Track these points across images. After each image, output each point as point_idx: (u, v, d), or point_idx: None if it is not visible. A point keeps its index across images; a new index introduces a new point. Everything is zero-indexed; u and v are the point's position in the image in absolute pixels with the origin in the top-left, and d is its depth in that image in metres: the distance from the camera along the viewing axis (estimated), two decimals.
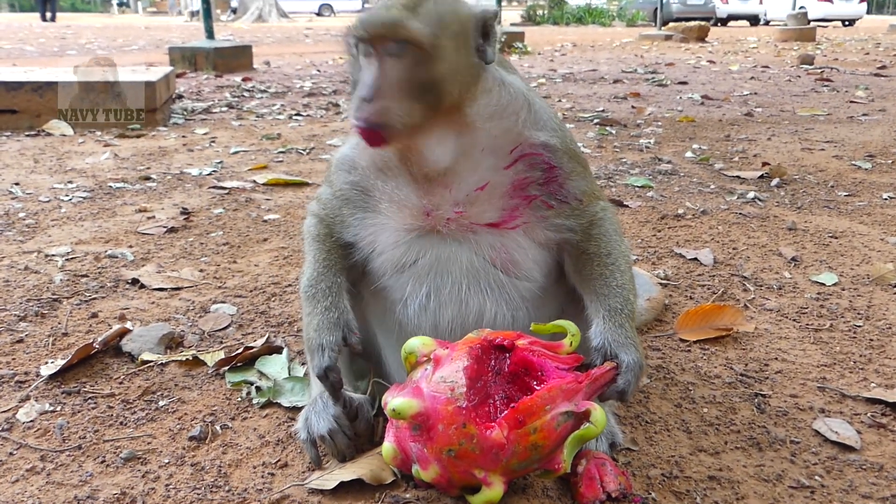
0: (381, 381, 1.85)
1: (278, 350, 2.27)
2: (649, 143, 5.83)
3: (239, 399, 2.02)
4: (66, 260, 3.10)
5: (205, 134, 6.18)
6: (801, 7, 26.15)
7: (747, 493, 1.63)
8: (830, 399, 2.04)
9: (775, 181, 4.51)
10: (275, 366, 2.17)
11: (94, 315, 2.56)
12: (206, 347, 2.35)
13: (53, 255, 3.14)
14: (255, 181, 4.54)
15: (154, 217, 3.76)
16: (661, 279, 2.93)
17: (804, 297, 2.77)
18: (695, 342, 2.40)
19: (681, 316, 2.51)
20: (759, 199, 4.14)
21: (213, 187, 4.38)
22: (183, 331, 2.44)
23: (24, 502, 1.58)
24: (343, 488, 1.60)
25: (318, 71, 11.80)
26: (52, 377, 2.10)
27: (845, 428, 1.87)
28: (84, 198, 4.11)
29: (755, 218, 3.78)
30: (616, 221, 1.82)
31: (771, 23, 34.84)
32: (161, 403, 2.00)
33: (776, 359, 2.29)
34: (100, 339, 2.27)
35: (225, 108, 7.59)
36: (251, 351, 2.24)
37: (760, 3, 36.72)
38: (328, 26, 30.79)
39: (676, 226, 3.67)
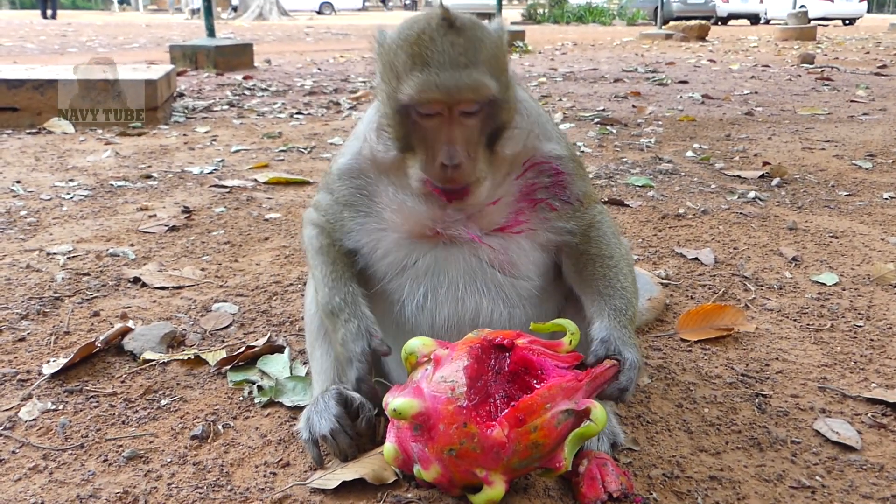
0: (382, 380, 1.85)
1: (280, 349, 2.27)
2: (650, 142, 5.83)
3: (241, 398, 2.03)
4: (68, 258, 3.10)
5: (206, 132, 6.18)
6: (802, 6, 26.14)
7: (748, 493, 1.63)
8: (831, 399, 2.05)
9: (776, 181, 4.51)
10: (276, 365, 2.18)
11: (96, 314, 2.56)
12: (207, 346, 2.35)
13: (55, 254, 3.14)
14: (256, 180, 4.54)
15: (155, 215, 3.76)
16: (662, 279, 2.94)
17: (805, 297, 2.77)
18: (696, 342, 2.41)
19: (682, 316, 2.52)
20: (760, 199, 4.14)
21: (215, 186, 4.38)
22: (184, 330, 2.45)
23: (26, 501, 1.58)
24: (345, 488, 1.60)
25: (319, 69, 11.80)
26: (54, 376, 2.10)
27: (846, 428, 1.87)
28: (85, 196, 4.11)
29: (756, 218, 3.78)
30: (613, 224, 1.84)
31: (771, 22, 34.81)
32: (163, 402, 2.00)
33: (777, 359, 2.29)
34: (101, 337, 2.27)
35: (226, 107, 7.59)
36: (253, 350, 2.24)
37: (761, 2, 36.70)
38: (329, 24, 30.77)
39: (677, 225, 3.67)
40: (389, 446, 1.51)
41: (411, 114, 1.53)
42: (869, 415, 1.96)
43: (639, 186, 4.43)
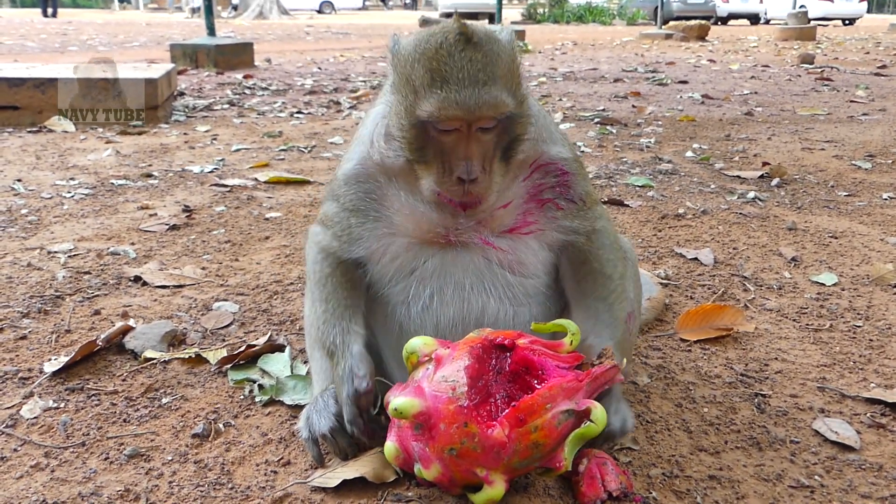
0: (383, 379, 1.86)
1: (280, 348, 2.28)
2: (650, 142, 5.84)
3: (241, 397, 2.03)
4: (69, 257, 3.11)
5: (206, 131, 6.18)
6: (802, 6, 26.15)
7: (747, 493, 1.64)
8: (830, 399, 2.05)
9: (775, 181, 4.52)
10: (277, 364, 2.18)
11: (97, 312, 2.57)
12: (208, 345, 2.35)
13: (56, 252, 3.15)
14: (256, 179, 4.55)
15: (156, 214, 3.77)
16: (662, 279, 2.94)
17: (804, 298, 2.78)
18: (695, 342, 2.41)
19: (681, 316, 2.52)
20: (760, 199, 4.15)
21: (215, 185, 4.39)
22: (185, 328, 2.45)
23: (28, 498, 1.59)
24: (346, 486, 1.61)
25: (320, 68, 11.80)
26: (55, 374, 2.11)
27: (845, 428, 1.88)
28: (86, 195, 4.12)
29: (755, 218, 3.78)
30: (615, 235, 1.85)
31: (771, 22, 34.83)
32: (164, 401, 2.01)
33: (776, 359, 2.30)
34: (103, 336, 2.28)
35: (226, 106, 7.59)
36: (253, 349, 2.25)
37: (761, 2, 36.70)
38: (329, 23, 30.76)
39: (677, 225, 3.68)
40: (390, 445, 1.52)
41: (428, 128, 1.54)
42: (868, 414, 1.96)
43: (638, 186, 4.43)
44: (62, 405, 1.97)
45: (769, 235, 3.51)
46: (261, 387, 2.05)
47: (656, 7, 24.21)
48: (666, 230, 3.61)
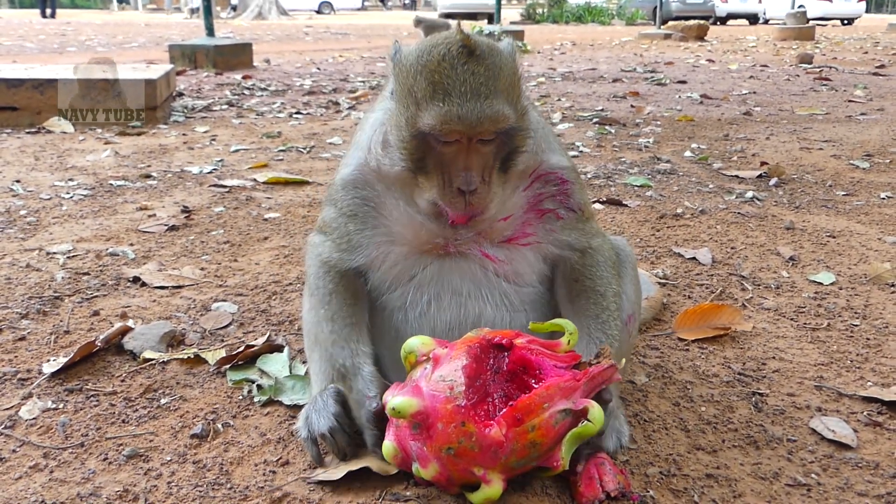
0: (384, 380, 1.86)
1: (279, 348, 2.28)
2: (648, 142, 5.84)
3: (240, 397, 2.04)
4: (68, 258, 3.11)
5: (205, 132, 6.19)
6: (800, 6, 26.17)
7: (744, 491, 1.64)
8: (827, 398, 2.06)
9: (773, 180, 4.52)
10: (276, 364, 2.19)
11: (96, 313, 2.57)
12: (207, 346, 2.36)
13: (55, 253, 3.15)
14: (255, 179, 4.55)
15: (155, 215, 3.77)
16: (660, 278, 2.95)
17: (802, 297, 2.78)
18: (693, 341, 2.42)
19: (679, 315, 2.53)
20: (758, 199, 4.15)
21: (214, 185, 4.39)
22: (184, 329, 2.46)
23: (27, 499, 1.59)
24: (344, 485, 1.61)
25: (318, 69, 11.80)
26: (54, 375, 2.11)
27: (842, 426, 1.88)
28: (85, 195, 4.12)
29: (753, 217, 3.79)
30: (611, 254, 1.85)
31: (770, 21, 34.84)
32: (163, 401, 2.01)
33: (774, 358, 2.31)
34: (101, 337, 2.28)
35: (225, 106, 7.60)
36: (252, 349, 2.25)
37: (759, 1, 36.74)
38: (328, 24, 30.76)
39: (675, 225, 3.68)
40: (388, 444, 1.52)
41: (429, 140, 1.54)
42: (865, 413, 1.97)
43: (637, 186, 4.44)
44: (61, 406, 1.98)
45: (767, 235, 3.52)
46: (259, 387, 2.05)
47: (655, 7, 24.25)
48: (664, 230, 3.61)
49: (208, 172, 4.74)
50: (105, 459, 1.74)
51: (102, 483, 1.65)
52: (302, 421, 1.77)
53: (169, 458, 1.75)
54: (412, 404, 1.44)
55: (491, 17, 24.82)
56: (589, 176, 4.67)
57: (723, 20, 35.68)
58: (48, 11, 32.71)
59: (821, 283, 2.91)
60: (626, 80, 10.42)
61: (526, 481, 1.63)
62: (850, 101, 8.22)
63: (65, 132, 5.92)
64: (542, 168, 1.74)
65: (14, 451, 1.78)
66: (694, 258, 3.19)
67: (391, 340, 1.77)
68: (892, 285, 2.88)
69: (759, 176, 4.66)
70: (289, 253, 3.26)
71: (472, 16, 32.42)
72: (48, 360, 2.20)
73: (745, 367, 2.25)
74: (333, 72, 11.37)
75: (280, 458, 1.75)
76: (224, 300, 2.71)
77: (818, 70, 11.53)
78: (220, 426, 1.89)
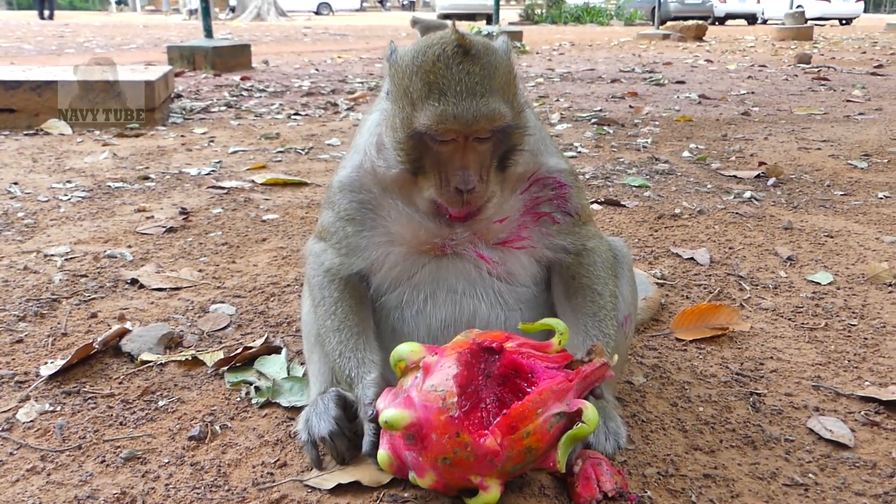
0: None
1: (277, 350, 2.28)
2: (646, 142, 5.85)
3: (238, 399, 2.04)
4: (66, 260, 3.11)
5: (203, 133, 6.18)
6: (799, 6, 26.20)
7: (742, 491, 1.64)
8: (825, 397, 2.06)
9: (772, 180, 4.53)
10: (274, 366, 2.19)
11: (94, 315, 2.57)
12: (205, 347, 2.36)
13: (52, 255, 3.15)
14: (253, 181, 4.55)
15: (153, 217, 3.77)
16: (658, 279, 2.95)
17: (800, 297, 2.78)
18: (691, 341, 2.42)
19: (677, 315, 2.53)
20: (756, 199, 4.15)
21: (212, 187, 4.39)
22: (182, 331, 2.46)
23: (24, 502, 1.59)
24: (342, 487, 1.61)
25: (317, 70, 11.81)
26: (51, 377, 2.11)
27: (839, 426, 1.89)
28: (83, 197, 4.12)
29: (751, 217, 3.79)
30: (608, 255, 1.85)
31: (768, 22, 34.86)
32: (160, 403, 2.01)
33: (771, 358, 2.31)
34: (99, 339, 2.28)
35: (223, 108, 7.60)
36: (250, 351, 2.25)
37: (758, 2, 36.76)
38: (327, 25, 30.77)
39: (673, 225, 3.68)
40: (383, 453, 1.51)
41: (425, 139, 1.54)
42: (862, 413, 1.97)
43: (635, 187, 4.44)
44: (58, 408, 1.98)
45: (765, 235, 3.52)
46: (257, 389, 2.05)
47: (654, 7, 24.26)
48: (662, 230, 3.62)
49: (206, 174, 4.74)
50: (102, 462, 1.74)
51: (100, 486, 1.65)
52: (302, 423, 1.77)
53: (166, 461, 1.75)
54: (404, 417, 1.42)
55: (489, 18, 24.83)
56: (587, 176, 4.68)
57: (721, 20, 35.72)
58: (46, 13, 32.71)
59: (819, 283, 2.91)
60: (625, 80, 10.43)
61: (524, 482, 1.63)
62: (848, 100, 8.23)
63: (62, 134, 5.92)
64: (540, 171, 1.74)
65: (11, 453, 1.78)
66: (692, 258, 3.20)
67: (388, 339, 1.78)
68: (890, 285, 2.88)
69: (758, 176, 4.66)
70: (287, 254, 3.26)
71: (471, 16, 32.41)
72: (46, 363, 2.20)
73: (742, 367, 2.25)
74: (332, 73, 11.37)
75: (278, 459, 1.75)
76: (222, 302, 2.71)
77: (816, 70, 11.54)
78: (217, 428, 1.89)
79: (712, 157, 5.28)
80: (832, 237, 3.47)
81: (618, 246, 1.99)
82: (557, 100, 8.35)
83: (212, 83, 9.53)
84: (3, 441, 1.83)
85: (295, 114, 7.35)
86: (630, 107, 7.81)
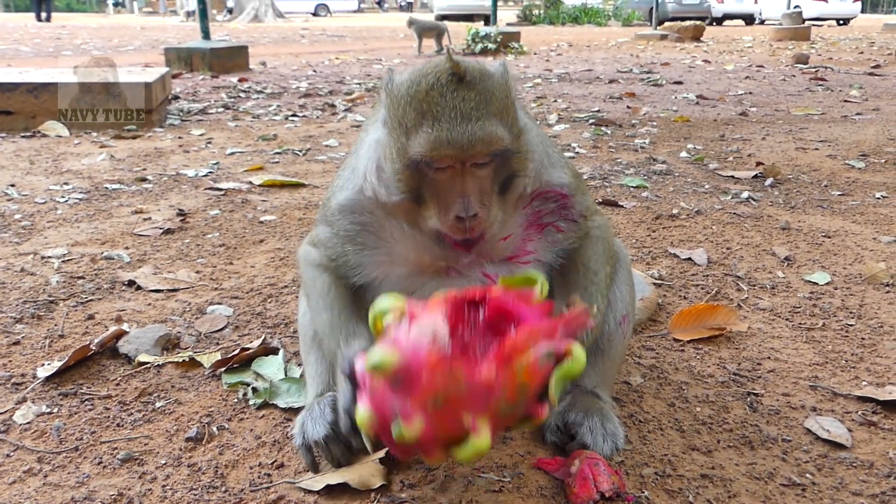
0: None
1: (275, 351, 2.28)
2: (644, 143, 5.85)
3: (235, 400, 2.04)
4: (63, 262, 3.10)
5: (201, 135, 6.18)
6: (796, 6, 26.25)
7: (739, 491, 1.65)
8: (822, 398, 2.06)
9: (769, 181, 4.53)
10: (271, 367, 2.18)
11: (91, 317, 2.56)
12: (202, 349, 2.36)
13: (49, 257, 3.14)
14: (251, 182, 4.55)
15: (150, 218, 3.77)
16: (655, 279, 2.95)
17: (797, 297, 2.79)
18: (688, 342, 2.42)
19: (674, 316, 2.53)
20: (753, 199, 4.16)
21: (210, 189, 4.39)
22: (179, 332, 2.45)
23: None
24: (339, 488, 1.61)
25: (315, 71, 11.80)
26: (48, 379, 2.11)
27: (836, 426, 1.89)
28: (80, 199, 4.12)
29: (749, 218, 3.80)
30: (608, 242, 1.85)
31: (766, 22, 34.94)
32: (158, 405, 2.01)
33: (769, 358, 2.31)
34: (96, 340, 2.28)
35: (221, 109, 7.59)
36: (247, 352, 2.25)
37: (755, 2, 36.80)
38: (324, 26, 30.78)
39: (671, 226, 3.69)
40: (363, 411, 1.40)
41: (422, 168, 1.51)
42: (859, 413, 1.97)
43: (633, 187, 4.44)
44: (55, 410, 1.97)
45: (763, 235, 3.53)
46: (255, 390, 2.05)
47: (651, 8, 24.29)
48: (660, 230, 3.62)
49: (204, 175, 4.74)
50: (100, 463, 1.74)
51: (97, 487, 1.65)
52: (298, 427, 1.77)
53: (164, 462, 1.75)
54: (393, 357, 1.33)
55: (487, 19, 24.81)
56: (585, 177, 4.68)
57: (719, 21, 35.77)
58: (43, 14, 32.63)
59: (816, 283, 2.92)
60: (623, 80, 10.44)
61: (521, 482, 1.63)
62: (845, 101, 8.25)
63: (60, 136, 5.92)
64: (542, 186, 1.73)
65: (8, 455, 1.77)
66: (689, 259, 3.20)
67: None
68: (887, 285, 2.88)
69: (755, 176, 4.66)
70: (284, 256, 3.26)
71: (469, 17, 32.44)
72: (43, 365, 2.19)
73: (740, 367, 2.25)
74: (329, 74, 11.37)
75: (275, 460, 1.75)
76: (219, 303, 2.71)
77: (814, 70, 11.56)
78: (214, 429, 1.89)
79: (710, 158, 5.29)
80: (829, 237, 3.47)
81: (616, 246, 1.99)
82: (555, 100, 8.36)
83: (209, 85, 9.53)
84: (0, 443, 1.82)
85: (292, 115, 7.35)
86: (628, 107, 7.82)
